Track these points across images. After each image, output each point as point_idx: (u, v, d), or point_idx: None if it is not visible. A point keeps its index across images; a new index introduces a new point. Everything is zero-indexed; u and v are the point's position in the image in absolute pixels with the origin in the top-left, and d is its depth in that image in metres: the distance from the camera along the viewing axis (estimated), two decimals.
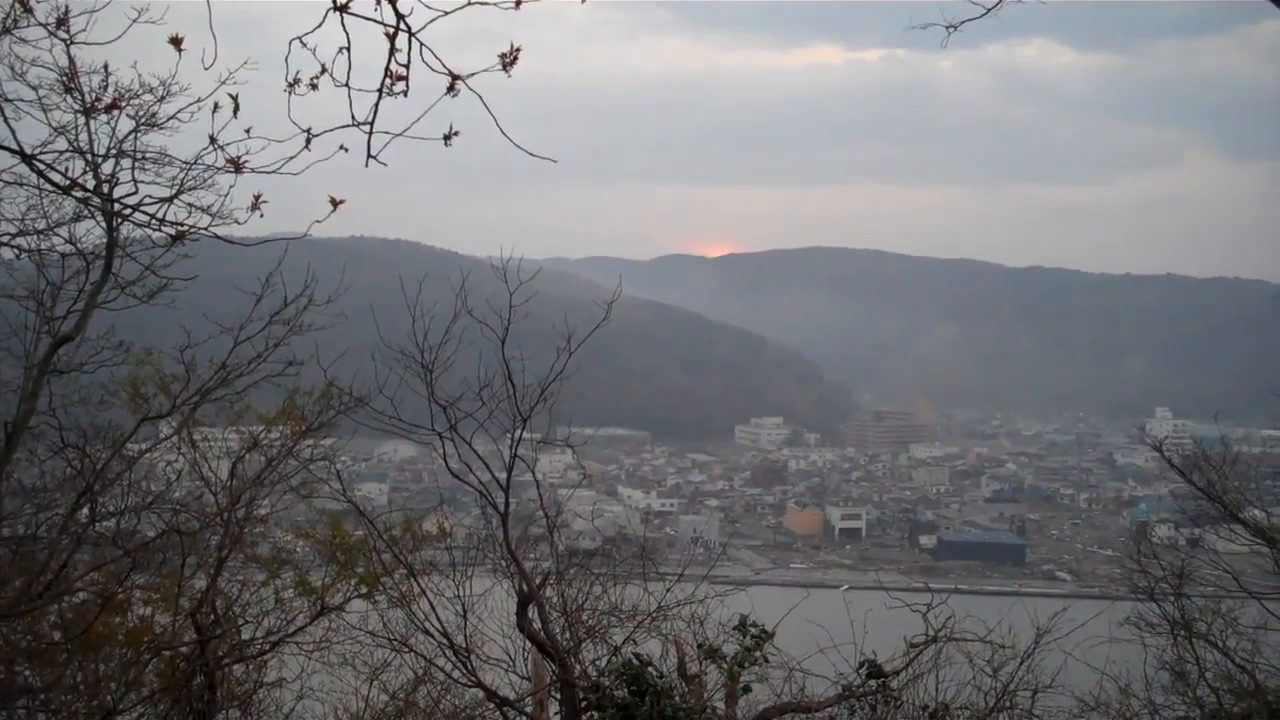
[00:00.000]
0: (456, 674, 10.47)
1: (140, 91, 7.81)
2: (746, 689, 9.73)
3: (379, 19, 4.94)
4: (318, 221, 6.28)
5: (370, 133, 5.10)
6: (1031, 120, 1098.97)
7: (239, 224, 7.14)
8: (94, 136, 7.85)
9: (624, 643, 10.49)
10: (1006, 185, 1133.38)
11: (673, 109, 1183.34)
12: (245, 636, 11.40)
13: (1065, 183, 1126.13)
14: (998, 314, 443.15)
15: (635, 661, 9.34)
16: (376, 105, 5.07)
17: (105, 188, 7.77)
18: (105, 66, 7.61)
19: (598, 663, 10.19)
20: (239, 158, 6.07)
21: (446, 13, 4.90)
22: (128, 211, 7.24)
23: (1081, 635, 11.01)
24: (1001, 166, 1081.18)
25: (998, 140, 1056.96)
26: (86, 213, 8.37)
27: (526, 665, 10.70)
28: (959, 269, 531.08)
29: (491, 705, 10.52)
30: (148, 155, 7.77)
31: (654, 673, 9.26)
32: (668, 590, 10.93)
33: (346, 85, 5.11)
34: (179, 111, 7.72)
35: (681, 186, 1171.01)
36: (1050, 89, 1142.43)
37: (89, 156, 7.80)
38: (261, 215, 6.45)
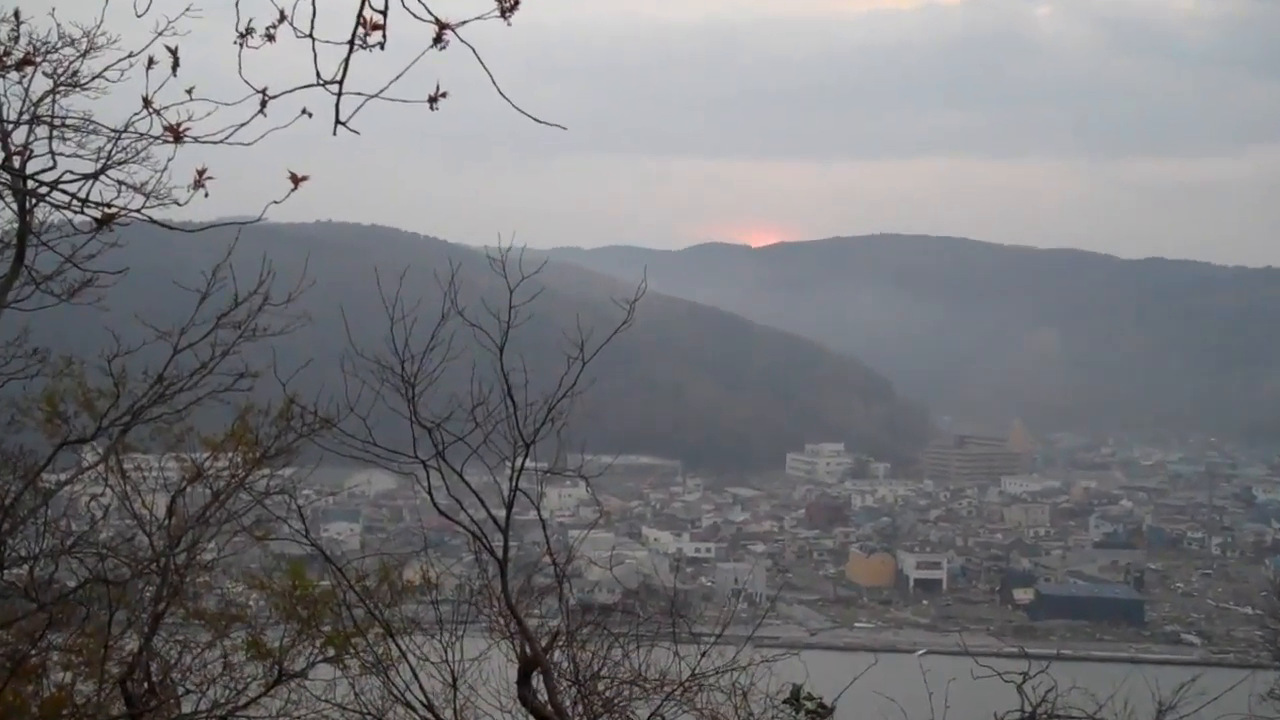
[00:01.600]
0: None
1: (59, 45, 7.84)
2: None
3: None
4: (275, 203, 6.30)
5: (339, 94, 5.10)
6: (1146, 79, 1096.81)
7: (179, 205, 7.16)
8: (3, 99, 7.88)
9: (650, 719, 10.46)
10: (1118, 158, 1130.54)
11: (706, 67, 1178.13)
12: (186, 709, 11.39)
13: (1187, 155, 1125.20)
14: (1108, 316, 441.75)
15: None
16: (347, 61, 5.07)
17: (15, 161, 7.79)
18: (15, 14, 7.65)
19: None
20: (179, 124, 6.08)
21: None
22: (43, 190, 7.27)
23: (1214, 712, 10.91)
24: (1110, 135, 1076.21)
25: (1105, 103, 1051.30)
26: None
27: None
28: (1059, 261, 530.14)
29: None
30: (68, 121, 7.79)
31: None
32: (703, 654, 10.88)
33: (310, 36, 5.11)
34: (106, 69, 7.76)
35: (718, 161, 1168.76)
36: (1168, 41, 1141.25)
37: None
38: (206, 195, 6.45)
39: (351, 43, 5.04)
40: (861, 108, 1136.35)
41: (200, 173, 6.39)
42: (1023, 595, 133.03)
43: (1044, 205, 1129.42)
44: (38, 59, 7.71)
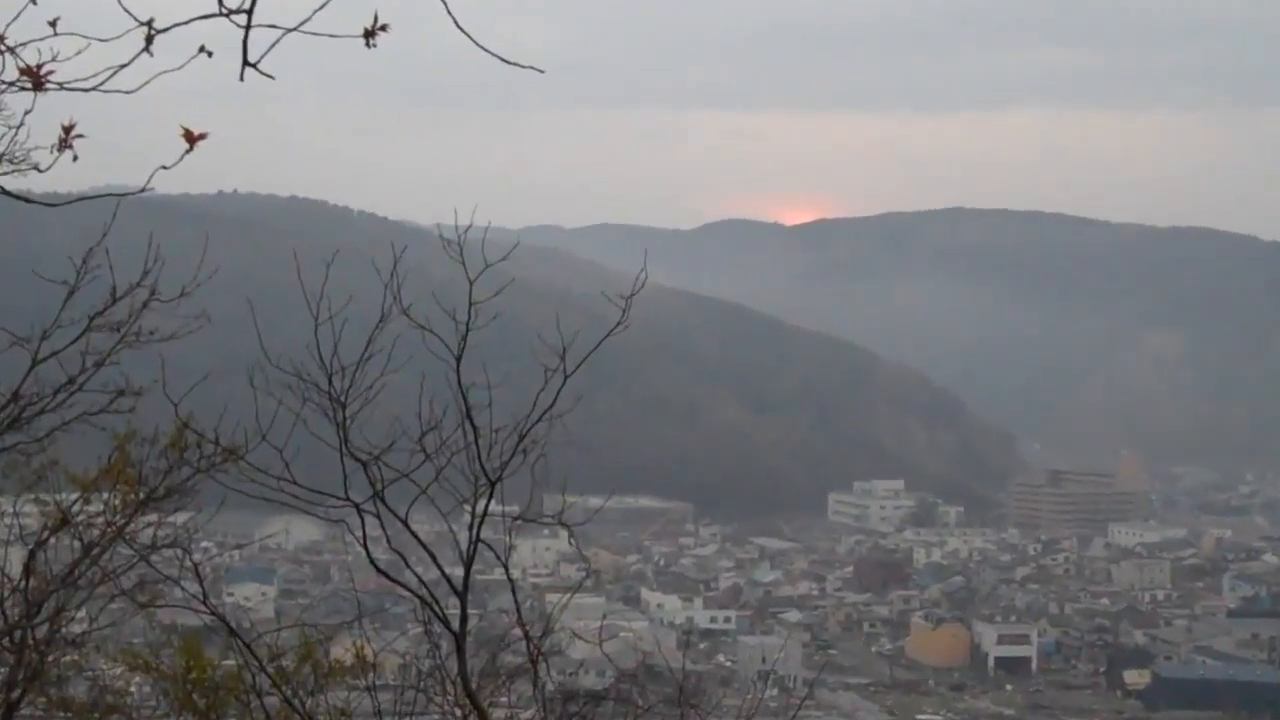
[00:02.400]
0: None
1: None
2: None
3: None
4: (165, 168, 6.28)
5: (248, 26, 5.10)
6: None
7: (39, 172, 7.14)
8: None
9: None
10: (1258, 108, 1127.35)
11: None
12: None
13: None
14: (1250, 314, 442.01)
15: None
16: None
17: None
18: None
19: None
20: (39, 66, 6.07)
21: None
22: None
23: None
24: (1252, 78, 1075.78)
25: (1246, 38, 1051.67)
26: None
27: None
28: (1183, 242, 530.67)
29: None
30: None
31: None
32: None
33: None
34: None
35: (742, 114, 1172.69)
36: None
37: None
38: (75, 158, 6.44)
39: None
40: (931, 45, 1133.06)
41: (67, 129, 6.37)
42: (1136, 678, 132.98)
43: (1166, 171, 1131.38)
44: None
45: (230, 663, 11.60)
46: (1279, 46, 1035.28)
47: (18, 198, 7.09)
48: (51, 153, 6.51)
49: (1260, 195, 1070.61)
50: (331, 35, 5.16)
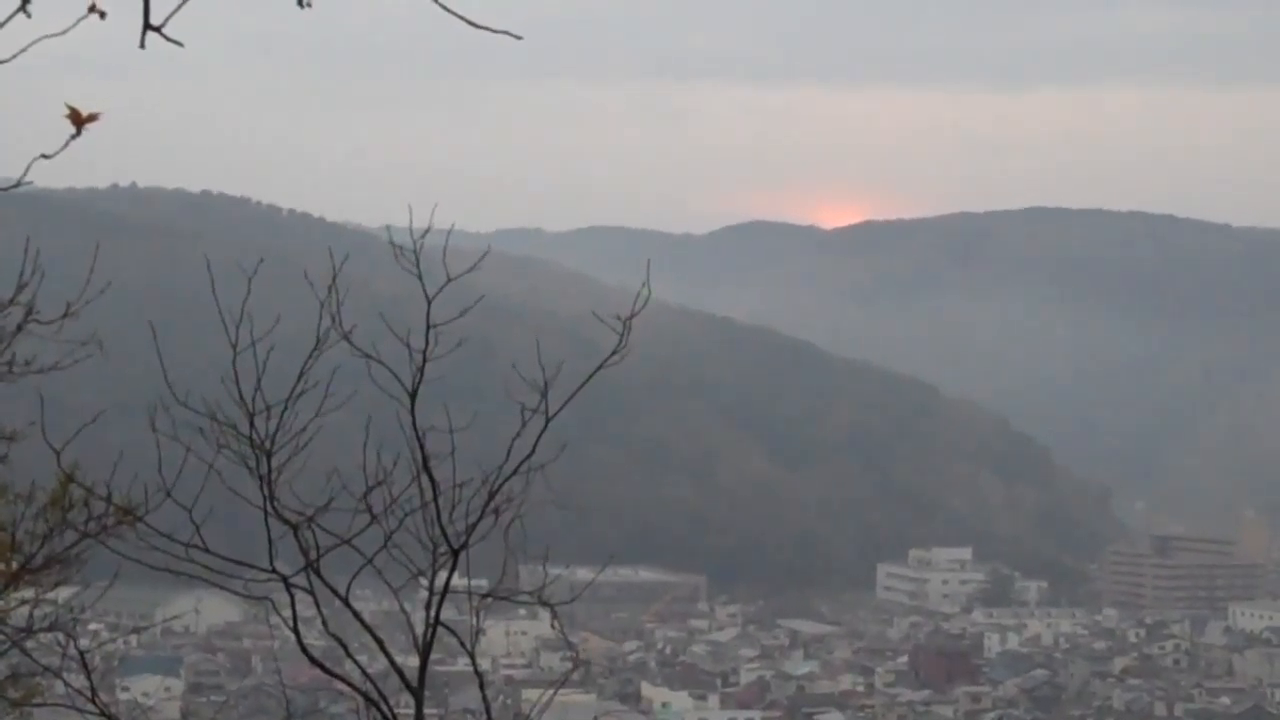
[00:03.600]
0: None
1: None
2: None
3: None
4: (46, 157, 6.30)
5: None
6: None
7: None
8: None
9: None
10: None
11: None
12: None
13: None
14: None
15: None
16: None
17: None
18: None
19: None
20: None
21: None
22: None
23: None
24: None
25: None
26: None
27: None
28: None
29: None
30: None
31: None
32: None
33: None
34: None
35: (768, 90, 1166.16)
36: None
37: None
38: None
39: None
40: (1009, 5, 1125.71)
41: None
42: None
43: None
44: None
45: None
46: None
47: None
48: None
49: None
50: None
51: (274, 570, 9.71)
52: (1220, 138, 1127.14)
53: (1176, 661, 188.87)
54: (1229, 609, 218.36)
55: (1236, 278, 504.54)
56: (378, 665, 10.10)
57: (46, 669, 11.60)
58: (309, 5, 5.27)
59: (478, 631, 10.19)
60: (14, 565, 11.26)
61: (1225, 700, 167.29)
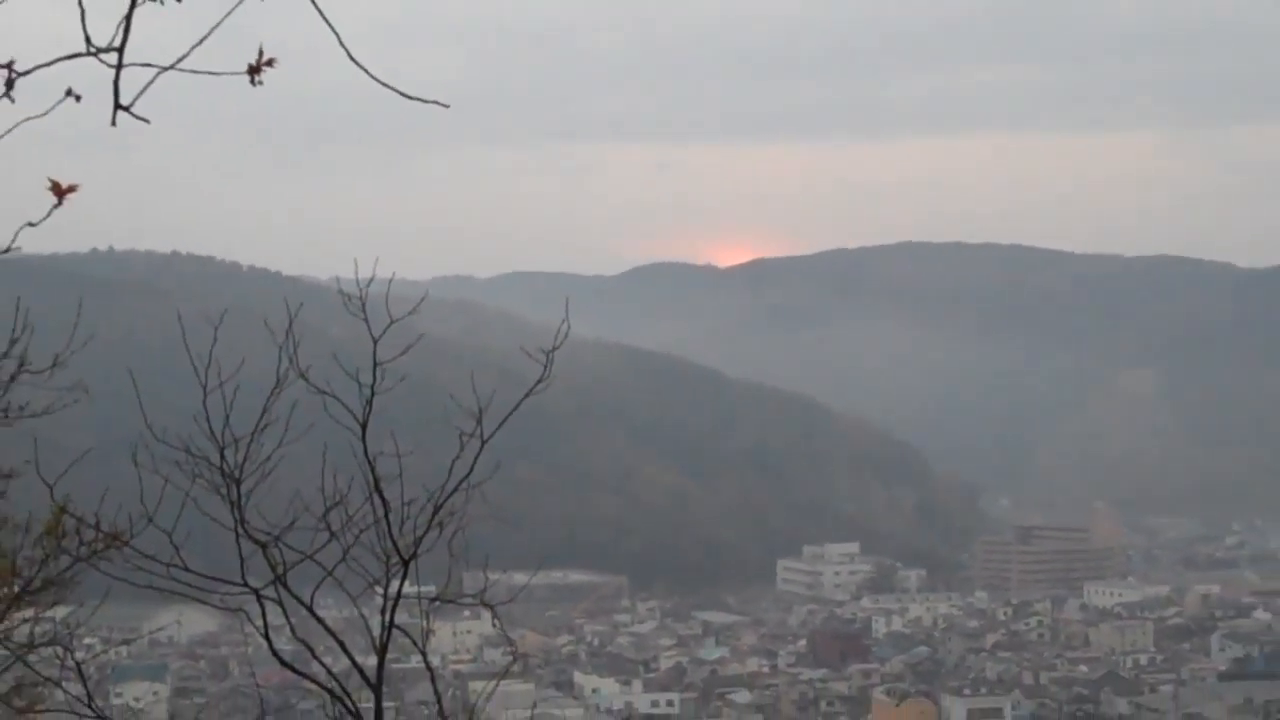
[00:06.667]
0: None
1: None
2: None
3: None
4: (31, 225, 6.25)
5: (119, 65, 5.09)
6: (1267, 20, 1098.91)
7: None
8: None
9: None
10: (1229, 126, 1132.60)
11: (643, 18, 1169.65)
12: None
13: None
14: (1229, 349, 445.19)
15: None
16: (128, 19, 5.07)
17: None
18: None
19: None
20: None
21: None
22: None
23: None
24: (1222, 96, 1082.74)
25: (1215, 52, 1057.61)
26: None
27: None
28: (1154, 272, 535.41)
29: None
30: None
31: None
32: None
33: None
34: None
35: (665, 146, 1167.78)
36: None
37: None
38: None
39: None
40: (867, 66, 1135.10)
41: None
42: None
43: (1132, 197, 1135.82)
44: None
45: None
46: (1249, 61, 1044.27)
47: None
48: None
49: (1235, 220, 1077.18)
50: (212, 73, 5.16)
51: (246, 584, 9.66)
52: (1060, 176, 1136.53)
53: (1040, 635, 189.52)
54: (1084, 588, 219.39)
55: (1079, 300, 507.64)
56: (340, 665, 10.06)
57: (47, 680, 11.51)
58: (260, 83, 5.25)
59: (428, 632, 10.17)
60: (15, 588, 11.18)
61: (1083, 668, 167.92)
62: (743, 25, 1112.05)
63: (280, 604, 9.73)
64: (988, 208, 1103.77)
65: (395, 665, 9.96)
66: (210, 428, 9.50)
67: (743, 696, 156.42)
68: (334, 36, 5.09)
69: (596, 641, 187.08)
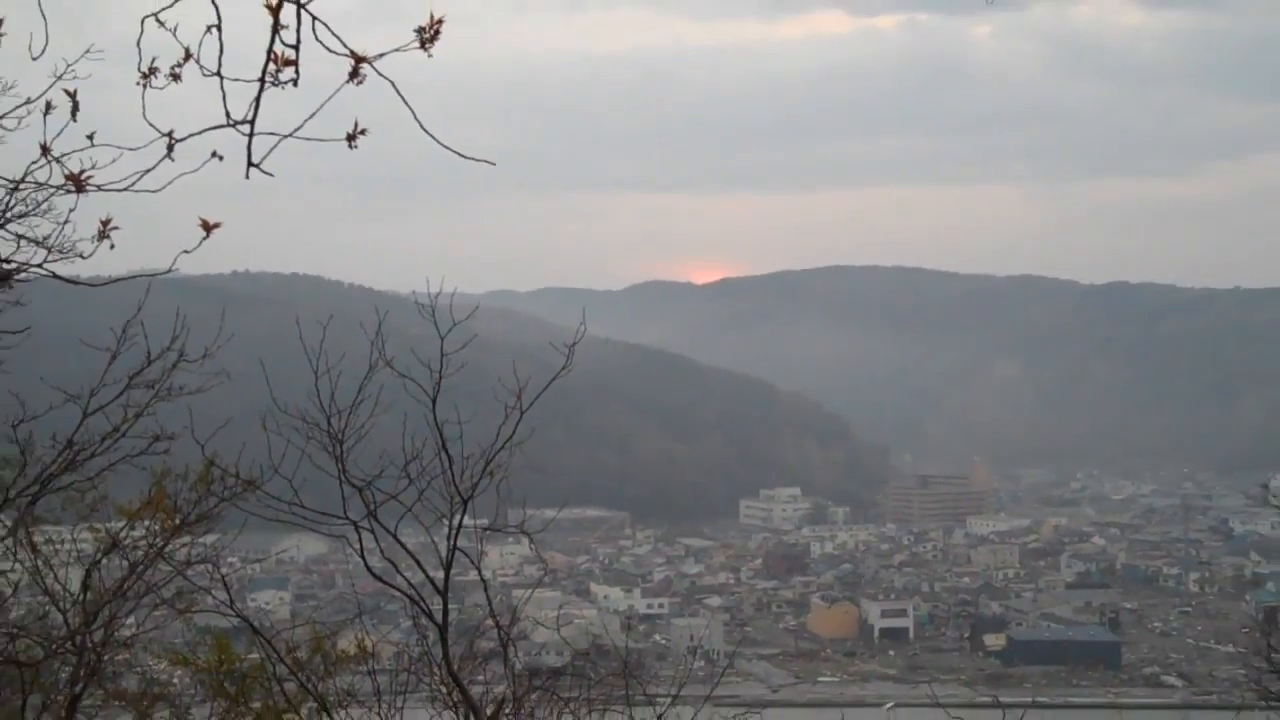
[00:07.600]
0: None
1: None
2: None
3: None
4: (186, 252, 6.24)
5: (251, 134, 5.08)
6: (1096, 98, 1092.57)
7: (83, 258, 7.10)
8: None
9: None
10: (1072, 181, 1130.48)
11: (638, 100, 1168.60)
12: None
13: (1146, 175, 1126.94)
14: (1073, 344, 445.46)
15: None
16: (258, 99, 5.07)
17: None
18: None
19: None
20: (81, 173, 6.04)
21: None
22: None
23: None
24: (1063, 158, 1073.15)
25: (1056, 125, 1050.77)
26: None
27: None
28: (1019, 289, 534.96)
29: None
30: None
31: None
32: (659, 717, 10.88)
33: (218, 74, 5.10)
34: (1, 116, 7.71)
35: (656, 195, 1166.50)
36: (1116, 58, 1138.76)
37: None
38: (113, 246, 6.41)
39: (262, 80, 5.03)
40: (804, 136, 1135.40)
41: (105, 223, 6.35)
42: (994, 641, 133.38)
43: (1000, 231, 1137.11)
44: None
45: (254, 656, 11.51)
46: (1078, 130, 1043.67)
47: (67, 280, 7.05)
48: (93, 243, 6.50)
49: (1075, 248, 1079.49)
50: (321, 140, 5.17)
51: (347, 518, 9.66)
52: (948, 217, 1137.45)
53: (934, 556, 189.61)
54: (967, 520, 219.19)
55: (964, 309, 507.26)
56: (417, 578, 10.07)
57: (200, 589, 11.51)
58: (355, 146, 5.25)
59: (481, 553, 10.17)
60: (176, 521, 11.18)
61: (966, 580, 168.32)
62: (715, 104, 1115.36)
63: (373, 533, 9.74)
64: (894, 240, 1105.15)
65: (458, 578, 9.95)
66: (320, 402, 9.51)
67: (714, 601, 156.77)
68: (410, 112, 5.09)
69: (606, 560, 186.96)
